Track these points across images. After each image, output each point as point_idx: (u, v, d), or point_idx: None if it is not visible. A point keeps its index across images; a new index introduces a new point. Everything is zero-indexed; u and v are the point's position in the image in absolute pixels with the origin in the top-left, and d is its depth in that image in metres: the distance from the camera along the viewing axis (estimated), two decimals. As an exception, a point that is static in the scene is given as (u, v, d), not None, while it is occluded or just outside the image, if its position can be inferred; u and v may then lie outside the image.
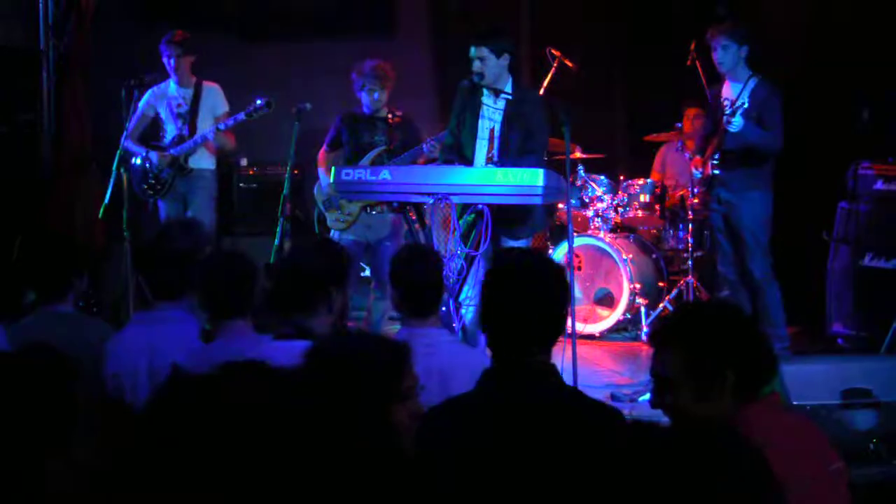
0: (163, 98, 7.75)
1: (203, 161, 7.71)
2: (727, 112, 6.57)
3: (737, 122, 6.54)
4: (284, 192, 6.79)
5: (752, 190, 6.82)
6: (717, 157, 6.81)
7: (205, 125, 7.59)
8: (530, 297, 2.97)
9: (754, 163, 6.77)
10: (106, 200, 7.21)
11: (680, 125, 8.68)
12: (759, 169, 6.81)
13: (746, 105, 6.56)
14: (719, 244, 7.07)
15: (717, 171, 6.82)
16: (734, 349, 2.69)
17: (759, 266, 6.85)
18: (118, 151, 7.34)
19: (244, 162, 9.12)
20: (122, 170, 7.35)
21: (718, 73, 6.90)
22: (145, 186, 7.67)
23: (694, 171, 7.12)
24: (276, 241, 6.65)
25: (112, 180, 7.24)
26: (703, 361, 2.68)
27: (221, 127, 7.47)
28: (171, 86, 7.74)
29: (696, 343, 2.70)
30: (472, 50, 6.13)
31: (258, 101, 7.29)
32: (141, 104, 7.66)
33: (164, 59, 7.63)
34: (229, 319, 3.81)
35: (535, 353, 2.97)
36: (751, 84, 6.77)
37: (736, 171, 6.80)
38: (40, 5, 8.42)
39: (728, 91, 6.88)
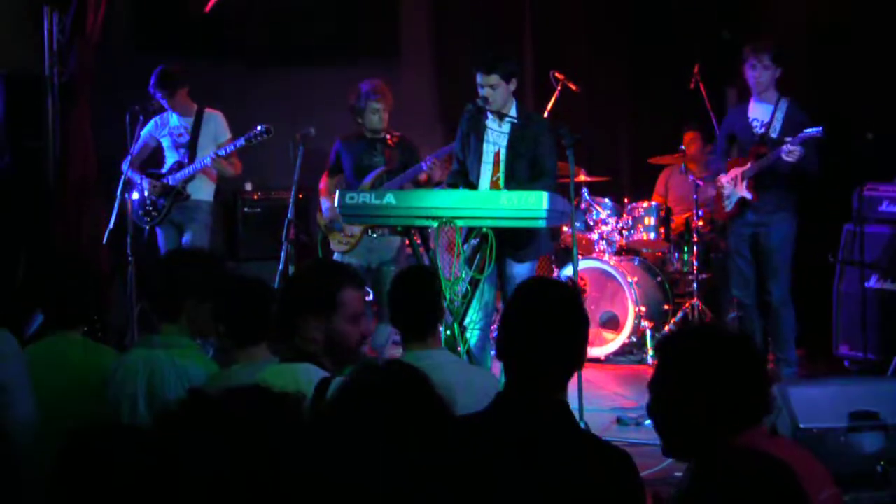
0: (164, 128, 7.74)
1: (201, 192, 7.69)
2: (786, 142, 6.51)
3: (793, 152, 6.48)
4: (289, 216, 6.79)
5: (782, 211, 6.81)
6: (747, 182, 6.80)
7: (205, 153, 7.57)
8: (547, 333, 2.90)
9: (786, 185, 6.76)
10: (110, 225, 7.22)
11: (683, 147, 8.69)
12: (789, 193, 6.79)
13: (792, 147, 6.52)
14: (736, 267, 7.05)
15: (749, 195, 6.81)
16: (711, 375, 2.68)
17: (780, 288, 6.83)
18: (122, 177, 7.37)
19: (249, 187, 9.14)
20: (126, 195, 7.36)
21: (751, 89, 6.85)
22: (142, 213, 7.65)
23: (724, 187, 7.04)
24: (281, 266, 6.63)
25: (116, 206, 7.25)
26: (680, 381, 2.69)
27: (221, 153, 7.47)
28: (173, 116, 7.73)
29: (678, 363, 2.72)
30: (480, 77, 6.09)
31: (258, 128, 7.30)
32: (143, 133, 7.65)
33: (158, 99, 7.64)
34: (251, 345, 3.84)
35: (549, 388, 2.91)
36: (783, 106, 6.76)
37: (768, 193, 6.78)
38: (45, 32, 8.44)
39: (757, 111, 6.86)
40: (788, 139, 6.52)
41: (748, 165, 6.81)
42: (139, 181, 7.62)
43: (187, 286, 3.98)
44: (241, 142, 7.39)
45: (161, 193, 7.60)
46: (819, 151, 6.67)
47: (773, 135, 6.72)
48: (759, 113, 6.86)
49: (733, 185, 6.93)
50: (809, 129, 6.48)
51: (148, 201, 7.64)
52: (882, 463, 4.51)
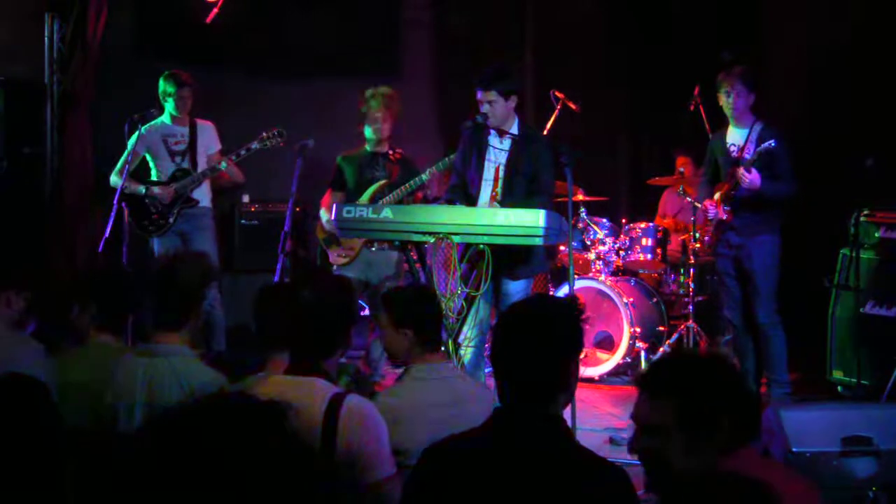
0: (156, 135, 7.69)
1: (205, 198, 7.71)
2: (742, 162, 6.56)
3: (751, 180, 6.54)
4: (285, 228, 6.77)
5: (762, 234, 6.83)
6: (728, 203, 6.81)
7: (201, 161, 7.59)
8: (533, 347, 2.88)
9: (765, 207, 6.78)
10: (106, 234, 7.19)
11: (682, 170, 8.70)
12: (769, 213, 6.82)
13: (758, 162, 6.55)
14: (726, 288, 7.06)
15: (725, 217, 6.84)
16: (730, 399, 2.69)
17: (766, 310, 6.84)
18: (119, 187, 7.34)
19: (246, 198, 9.12)
20: (122, 204, 7.34)
21: (726, 116, 6.90)
22: (146, 223, 7.61)
23: (709, 211, 7.06)
24: (276, 279, 6.62)
25: (113, 214, 7.24)
26: (698, 412, 2.67)
27: (234, 158, 7.49)
28: (166, 124, 7.70)
29: (693, 393, 2.69)
30: (480, 93, 6.10)
31: (273, 130, 7.35)
32: (131, 143, 7.55)
33: (170, 97, 7.59)
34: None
35: (541, 402, 2.89)
36: (756, 129, 6.78)
37: (746, 215, 6.80)
38: (45, 40, 8.46)
39: (733, 136, 6.89)
40: (746, 156, 6.57)
41: (725, 188, 6.84)
42: (145, 191, 7.58)
43: (193, 293, 3.95)
44: (255, 145, 7.44)
45: (174, 199, 7.56)
46: (774, 169, 6.66)
47: (747, 156, 6.75)
48: (735, 138, 6.90)
49: (715, 209, 6.95)
50: (764, 144, 6.51)
51: (153, 210, 7.59)
52: (874, 489, 4.50)
